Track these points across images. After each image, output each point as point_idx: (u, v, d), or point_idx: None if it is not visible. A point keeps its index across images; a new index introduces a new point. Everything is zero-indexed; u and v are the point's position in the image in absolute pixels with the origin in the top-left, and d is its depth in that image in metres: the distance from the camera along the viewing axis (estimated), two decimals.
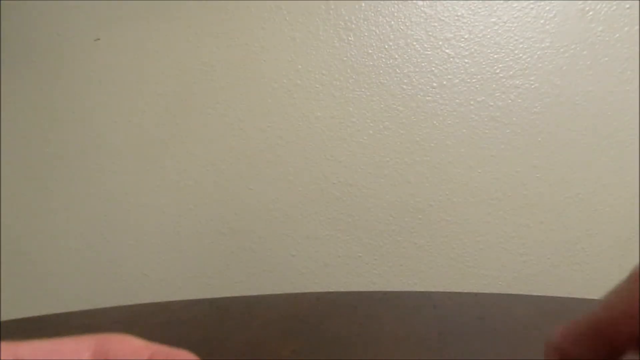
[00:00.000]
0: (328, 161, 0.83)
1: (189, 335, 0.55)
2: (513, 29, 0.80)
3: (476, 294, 0.71)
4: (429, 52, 0.82)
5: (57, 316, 0.69)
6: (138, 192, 0.87)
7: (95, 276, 0.87)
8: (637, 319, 0.18)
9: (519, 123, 0.80)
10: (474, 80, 0.81)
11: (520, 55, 0.80)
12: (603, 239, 0.78)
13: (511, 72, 0.80)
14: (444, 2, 0.81)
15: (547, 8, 0.79)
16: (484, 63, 0.81)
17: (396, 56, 0.82)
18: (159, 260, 0.86)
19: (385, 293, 0.73)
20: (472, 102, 0.81)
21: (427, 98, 0.82)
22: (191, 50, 0.86)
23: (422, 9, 0.82)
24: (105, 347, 0.20)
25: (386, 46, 0.82)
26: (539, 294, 0.77)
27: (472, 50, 0.81)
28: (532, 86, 0.80)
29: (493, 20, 0.80)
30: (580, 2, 0.78)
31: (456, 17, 0.81)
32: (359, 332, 0.54)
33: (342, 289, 0.83)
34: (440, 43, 0.81)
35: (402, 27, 0.82)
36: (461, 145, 0.81)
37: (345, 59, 0.83)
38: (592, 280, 0.78)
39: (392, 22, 0.82)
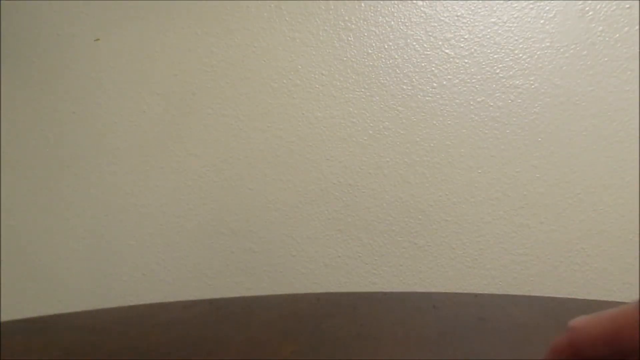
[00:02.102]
0: (328, 161, 0.83)
1: (189, 335, 0.55)
2: (513, 29, 0.80)
3: (476, 295, 0.71)
4: (429, 52, 0.82)
5: (57, 316, 0.69)
6: (138, 192, 0.87)
7: (95, 276, 0.87)
8: None
9: (519, 123, 0.80)
10: (473, 81, 0.81)
11: (520, 55, 0.80)
12: (603, 239, 0.78)
13: (511, 72, 0.80)
14: (444, 2, 0.81)
15: (547, 8, 0.79)
16: (483, 63, 0.81)
17: (396, 56, 0.82)
18: (159, 260, 0.86)
19: (385, 293, 0.73)
20: (472, 102, 0.81)
21: (427, 98, 0.82)
22: (191, 50, 0.86)
23: (421, 9, 0.82)
24: None
25: (386, 46, 0.82)
26: (539, 294, 0.77)
27: (472, 50, 0.81)
28: (532, 86, 0.80)
29: (493, 20, 0.80)
30: (580, 2, 0.78)
31: (456, 17, 0.81)
32: (359, 332, 0.54)
33: (342, 289, 0.83)
34: (440, 43, 0.81)
35: (401, 27, 0.82)
36: (461, 145, 0.81)
37: (345, 59, 0.83)
38: (592, 280, 0.78)
39: (392, 22, 0.82)
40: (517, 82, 0.80)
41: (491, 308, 0.63)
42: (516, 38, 0.80)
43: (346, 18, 0.83)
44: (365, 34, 0.83)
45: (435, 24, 0.81)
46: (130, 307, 0.73)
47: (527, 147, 0.80)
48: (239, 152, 0.85)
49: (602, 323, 0.20)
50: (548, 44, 0.79)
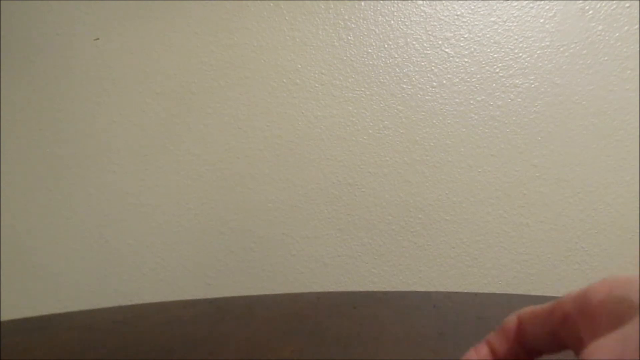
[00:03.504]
0: (328, 160, 0.83)
1: (189, 335, 0.55)
2: (513, 28, 0.80)
3: (476, 294, 0.71)
4: (429, 52, 0.82)
5: (56, 316, 0.69)
6: (138, 192, 0.87)
7: (95, 276, 0.87)
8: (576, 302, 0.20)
9: (519, 122, 0.80)
10: (473, 80, 0.81)
11: (520, 54, 0.80)
12: (603, 239, 0.78)
13: (511, 72, 0.80)
14: (444, 1, 0.81)
15: (547, 7, 0.79)
16: (483, 62, 0.81)
17: (396, 55, 0.82)
18: (159, 260, 0.86)
19: (385, 293, 0.73)
20: (471, 102, 0.81)
21: (427, 97, 0.82)
22: (191, 50, 0.86)
23: (421, 8, 0.82)
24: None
25: (386, 45, 0.82)
26: (539, 294, 0.77)
27: (472, 49, 0.81)
28: (532, 85, 0.80)
29: (493, 19, 0.80)
30: (580, 1, 0.78)
31: (456, 16, 0.81)
32: (359, 332, 0.54)
33: (342, 289, 0.83)
34: (440, 42, 0.81)
35: (401, 27, 0.82)
36: (461, 145, 0.81)
37: (344, 58, 0.83)
38: (592, 279, 0.78)
39: (392, 22, 0.82)
40: (517, 81, 0.80)
41: (491, 307, 0.63)
42: (516, 37, 0.80)
43: (346, 17, 0.83)
44: (365, 33, 0.83)
45: (435, 23, 0.81)
46: (130, 307, 0.73)
47: (527, 146, 0.80)
48: (239, 152, 0.85)
49: (543, 305, 0.23)
50: (548, 43, 0.79)
